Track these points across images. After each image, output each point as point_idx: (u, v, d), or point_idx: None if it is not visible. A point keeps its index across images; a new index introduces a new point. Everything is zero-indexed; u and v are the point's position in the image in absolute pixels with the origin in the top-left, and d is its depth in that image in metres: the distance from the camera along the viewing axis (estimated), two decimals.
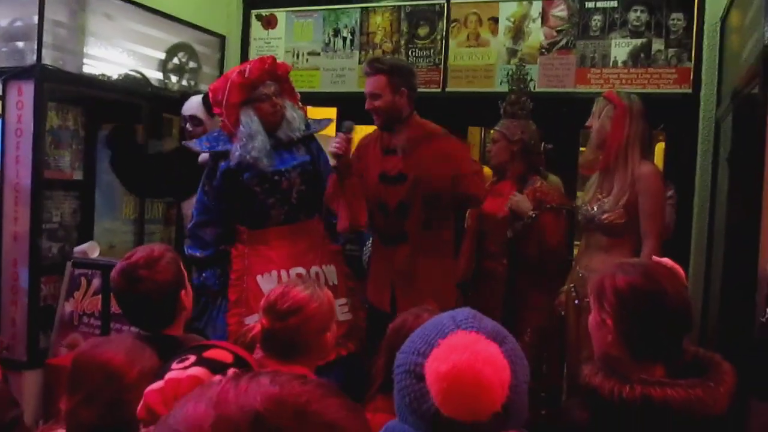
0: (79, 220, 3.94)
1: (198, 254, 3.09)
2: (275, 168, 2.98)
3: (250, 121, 2.93)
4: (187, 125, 3.81)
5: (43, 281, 3.63)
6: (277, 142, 3.00)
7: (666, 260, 1.60)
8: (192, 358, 1.36)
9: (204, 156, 3.21)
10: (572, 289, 2.94)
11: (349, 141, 2.89)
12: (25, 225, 3.46)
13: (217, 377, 1.17)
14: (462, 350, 1.02)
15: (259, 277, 2.95)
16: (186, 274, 1.92)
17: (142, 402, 1.27)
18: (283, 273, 2.98)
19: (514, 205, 3.19)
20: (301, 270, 3.01)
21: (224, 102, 2.94)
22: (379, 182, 2.99)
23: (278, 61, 3.08)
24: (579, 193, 3.44)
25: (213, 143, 3.06)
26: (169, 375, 1.31)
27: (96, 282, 3.59)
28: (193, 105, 3.71)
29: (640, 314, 1.50)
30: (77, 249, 3.72)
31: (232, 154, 2.94)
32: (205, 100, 3.53)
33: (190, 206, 3.45)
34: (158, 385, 1.28)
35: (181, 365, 1.34)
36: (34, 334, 3.52)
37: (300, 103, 3.21)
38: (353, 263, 3.50)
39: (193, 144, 3.23)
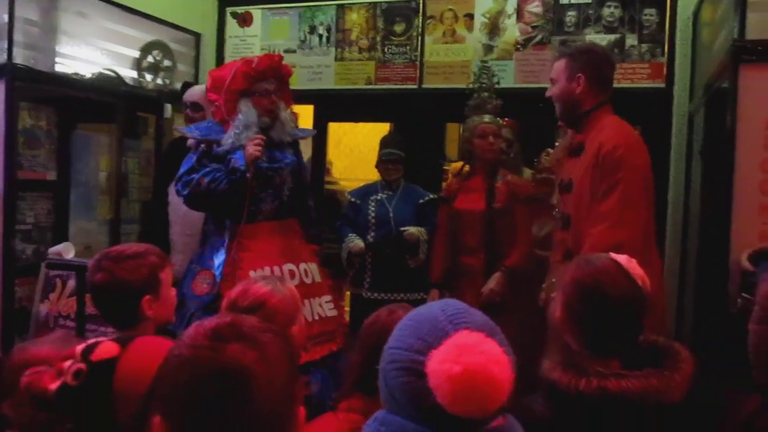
0: (54, 221, 3.89)
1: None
2: (269, 164, 2.99)
3: (248, 112, 2.95)
4: (188, 111, 3.78)
5: (18, 283, 3.57)
6: (269, 140, 3.00)
7: (623, 257, 1.63)
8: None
9: (192, 141, 3.18)
10: (553, 284, 2.97)
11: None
12: None
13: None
14: (472, 352, 1.01)
15: (251, 273, 2.92)
16: (162, 282, 1.83)
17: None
18: (276, 269, 2.96)
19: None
20: (291, 266, 3.01)
21: (225, 88, 2.94)
22: (560, 189, 2.67)
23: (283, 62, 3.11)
24: None
25: (205, 132, 3.05)
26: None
27: (71, 283, 3.55)
28: (196, 92, 3.69)
29: (583, 309, 1.57)
30: (52, 250, 3.67)
31: (225, 140, 2.94)
32: None
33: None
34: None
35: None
36: (9, 336, 3.46)
37: (292, 109, 3.23)
38: (333, 261, 3.50)
39: (184, 131, 3.25)
